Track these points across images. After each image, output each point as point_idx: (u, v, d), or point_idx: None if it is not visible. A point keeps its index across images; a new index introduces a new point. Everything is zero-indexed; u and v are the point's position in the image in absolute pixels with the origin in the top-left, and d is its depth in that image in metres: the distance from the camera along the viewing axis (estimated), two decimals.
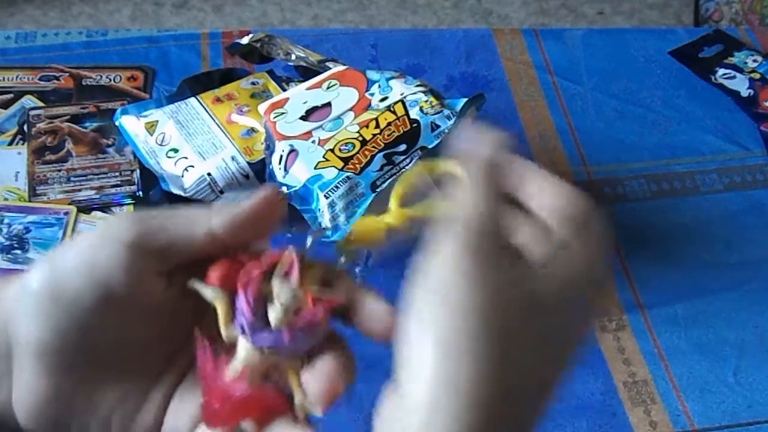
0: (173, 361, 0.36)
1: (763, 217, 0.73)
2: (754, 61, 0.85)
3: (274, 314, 0.33)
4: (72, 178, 0.71)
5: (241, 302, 0.34)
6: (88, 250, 0.34)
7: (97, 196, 0.70)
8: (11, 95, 0.79)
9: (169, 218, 0.35)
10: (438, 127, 0.65)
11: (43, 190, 0.71)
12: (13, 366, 0.34)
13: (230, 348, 0.34)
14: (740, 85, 0.83)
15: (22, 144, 0.74)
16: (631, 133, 0.79)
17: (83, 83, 0.80)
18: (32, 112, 0.76)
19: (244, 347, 0.34)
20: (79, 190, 0.71)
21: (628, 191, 0.75)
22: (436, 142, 0.64)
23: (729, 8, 1.58)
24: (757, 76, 0.83)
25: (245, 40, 0.76)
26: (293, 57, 0.75)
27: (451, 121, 0.65)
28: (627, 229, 0.72)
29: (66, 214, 0.69)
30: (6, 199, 0.70)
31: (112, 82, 0.80)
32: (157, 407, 0.35)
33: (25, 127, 0.75)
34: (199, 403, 0.35)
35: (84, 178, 0.71)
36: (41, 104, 0.78)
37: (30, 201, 0.70)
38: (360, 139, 0.64)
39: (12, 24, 1.81)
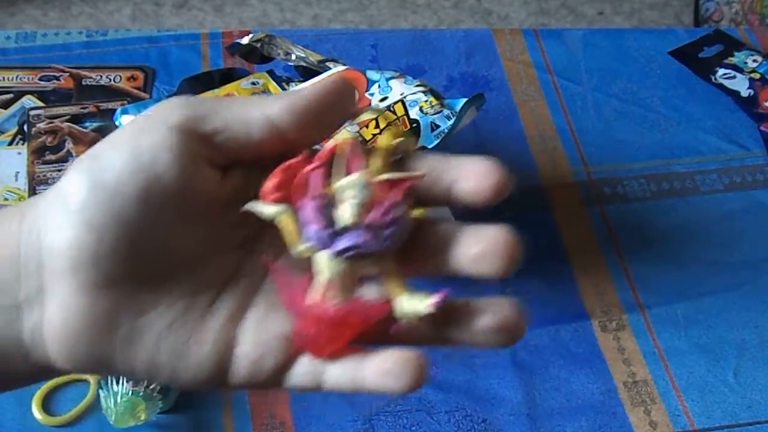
0: (230, 285, 0.31)
1: (764, 217, 0.73)
2: (754, 61, 0.85)
3: (345, 213, 0.29)
4: None
5: (307, 211, 0.29)
6: (131, 134, 0.29)
7: None
8: (11, 95, 0.79)
9: (223, 102, 0.30)
10: (438, 127, 0.65)
11: (43, 190, 0.71)
12: (46, 284, 0.29)
13: (307, 267, 0.30)
14: (740, 85, 0.83)
15: (22, 144, 0.74)
16: (631, 133, 0.79)
17: (83, 83, 0.80)
18: (32, 112, 0.76)
19: (323, 260, 0.30)
20: None
21: (628, 191, 0.75)
22: (436, 142, 0.64)
23: (729, 8, 1.58)
24: (757, 76, 0.83)
25: (245, 40, 0.76)
26: (293, 57, 0.75)
27: (451, 121, 0.65)
28: (627, 229, 0.72)
29: None
30: (6, 199, 0.70)
31: (112, 82, 0.80)
32: (217, 337, 0.30)
33: (25, 127, 0.75)
34: (283, 332, 0.30)
35: None
36: (41, 104, 0.78)
37: None
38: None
39: (12, 24, 1.81)
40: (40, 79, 0.80)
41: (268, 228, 0.30)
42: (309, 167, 0.29)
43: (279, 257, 0.31)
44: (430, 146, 0.64)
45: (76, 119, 0.75)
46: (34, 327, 0.30)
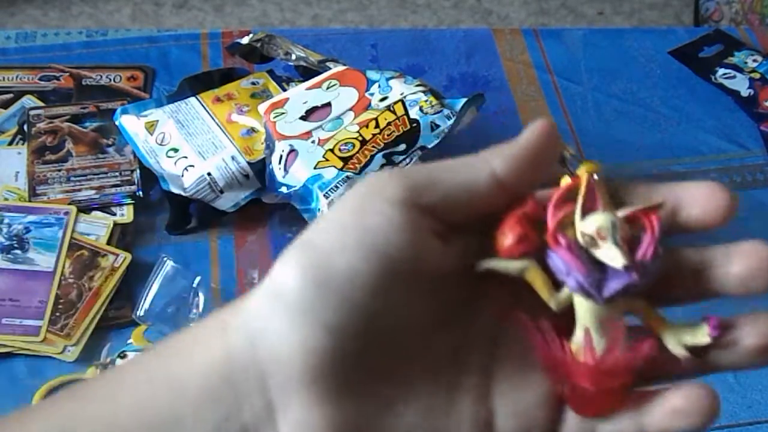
0: (466, 356, 0.29)
1: (764, 217, 0.73)
2: (754, 60, 0.85)
3: (614, 254, 0.27)
4: (72, 178, 0.71)
5: (566, 257, 0.27)
6: (352, 215, 0.27)
7: (97, 196, 0.70)
8: (11, 95, 0.79)
9: (443, 169, 0.28)
10: (438, 126, 0.65)
11: (43, 190, 0.71)
12: (275, 400, 0.26)
13: (556, 321, 0.28)
14: (740, 84, 0.83)
15: (22, 144, 0.74)
16: (631, 132, 0.79)
17: (83, 83, 0.80)
18: (32, 112, 0.76)
19: (588, 307, 0.28)
20: (79, 190, 0.71)
21: None
22: (436, 141, 0.64)
23: (729, 8, 1.58)
24: (757, 75, 0.83)
25: (245, 40, 0.76)
26: (293, 57, 0.75)
27: (451, 121, 0.65)
28: None
29: (66, 214, 0.69)
30: (6, 199, 0.70)
31: (112, 82, 0.80)
32: (473, 417, 0.28)
33: (25, 127, 0.75)
34: (540, 396, 0.28)
35: (84, 178, 0.71)
36: (41, 104, 0.78)
37: (30, 201, 0.70)
38: (360, 138, 0.64)
39: (12, 24, 1.81)
40: (40, 79, 0.80)
41: (486, 288, 0.29)
42: (552, 213, 0.28)
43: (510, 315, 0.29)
44: (429, 146, 0.64)
45: (76, 119, 0.75)
46: None
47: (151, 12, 1.86)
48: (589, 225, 0.27)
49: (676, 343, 0.28)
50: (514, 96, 0.82)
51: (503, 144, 0.29)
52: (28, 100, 0.78)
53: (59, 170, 0.72)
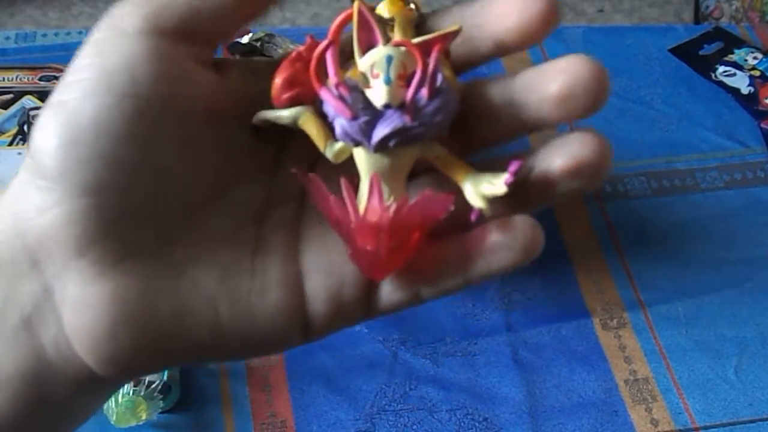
0: (271, 213, 0.26)
1: (764, 214, 0.73)
2: (755, 58, 0.85)
3: (378, 92, 0.23)
4: None
5: (331, 100, 0.23)
6: (93, 61, 0.24)
7: None
8: (11, 95, 0.79)
9: None
10: None
11: None
12: (50, 282, 0.23)
13: (352, 173, 0.25)
14: (740, 82, 0.83)
15: (23, 144, 0.74)
16: (632, 130, 0.79)
17: None
18: (32, 113, 0.76)
19: (363, 158, 0.24)
20: None
21: (629, 189, 0.75)
22: None
23: (729, 5, 1.58)
24: (758, 73, 0.83)
25: (245, 40, 0.76)
26: None
27: None
28: (627, 226, 0.72)
29: None
30: None
31: None
32: (281, 277, 0.25)
33: (25, 128, 0.75)
34: (347, 255, 0.24)
35: None
36: (41, 104, 0.78)
37: None
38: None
39: (12, 24, 1.81)
40: (40, 79, 0.80)
41: (293, 139, 0.25)
42: (319, 47, 0.23)
43: (314, 170, 0.25)
44: None
45: None
46: (57, 340, 0.23)
47: None
48: (364, 61, 0.24)
49: (474, 194, 0.24)
50: None
51: None
52: (28, 101, 0.78)
53: None
